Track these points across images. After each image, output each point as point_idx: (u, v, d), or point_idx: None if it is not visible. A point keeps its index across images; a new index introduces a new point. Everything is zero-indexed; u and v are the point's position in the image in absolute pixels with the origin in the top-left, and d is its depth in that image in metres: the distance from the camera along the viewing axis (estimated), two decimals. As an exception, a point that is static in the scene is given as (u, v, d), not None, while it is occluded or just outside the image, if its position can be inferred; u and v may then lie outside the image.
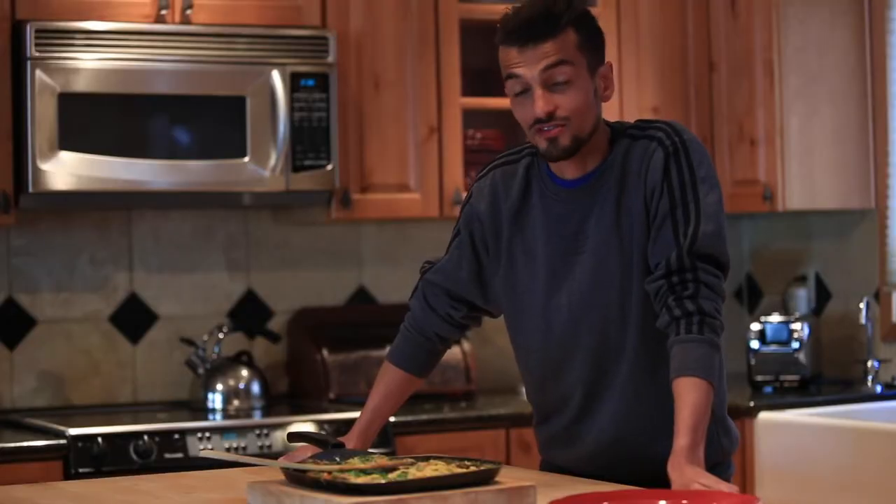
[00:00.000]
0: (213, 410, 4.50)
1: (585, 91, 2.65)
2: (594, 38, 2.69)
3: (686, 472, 2.45)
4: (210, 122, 4.36)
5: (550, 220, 2.75)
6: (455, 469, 2.45)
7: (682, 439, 2.50)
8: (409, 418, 4.34)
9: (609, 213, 2.69)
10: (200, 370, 4.57)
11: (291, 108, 4.41)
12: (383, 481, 2.37)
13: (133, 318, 4.68)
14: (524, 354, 2.84)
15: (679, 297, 2.60)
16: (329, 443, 2.84)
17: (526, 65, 2.63)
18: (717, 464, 2.74)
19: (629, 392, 2.72)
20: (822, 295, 5.25)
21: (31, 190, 4.16)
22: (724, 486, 2.40)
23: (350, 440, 2.91)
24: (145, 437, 4.05)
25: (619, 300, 2.69)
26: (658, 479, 2.53)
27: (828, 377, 5.09)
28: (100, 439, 4.00)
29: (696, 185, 2.66)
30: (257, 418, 4.36)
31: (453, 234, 2.92)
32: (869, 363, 4.89)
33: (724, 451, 2.80)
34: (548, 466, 2.89)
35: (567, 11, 2.64)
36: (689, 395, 2.54)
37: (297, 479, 2.44)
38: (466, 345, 4.79)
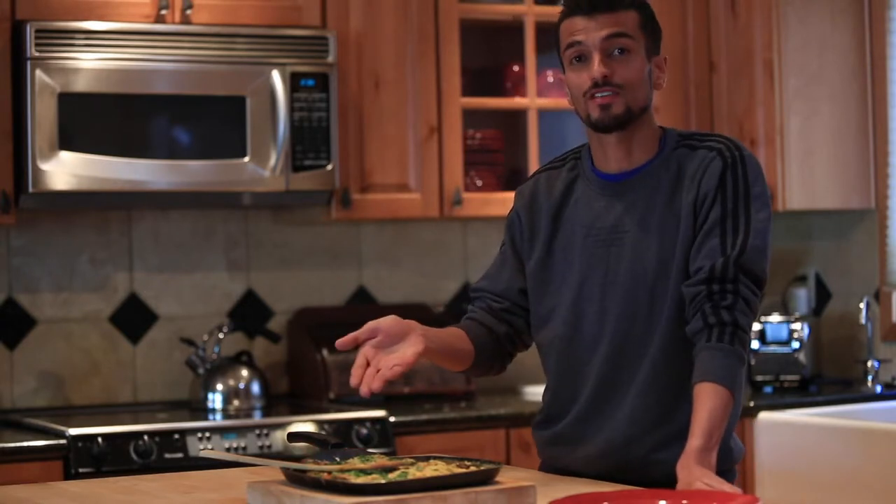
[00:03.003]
0: (213, 410, 4.50)
1: (641, 66, 2.74)
2: (653, 26, 2.79)
3: (694, 471, 2.47)
4: (210, 122, 4.36)
5: (591, 213, 2.78)
6: (455, 469, 2.45)
7: (695, 440, 2.52)
8: (409, 418, 4.33)
9: (657, 213, 2.72)
10: (200, 370, 4.57)
11: (291, 108, 4.41)
12: (383, 481, 2.37)
13: (133, 318, 4.68)
14: (547, 348, 2.84)
15: (716, 305, 2.62)
16: (329, 443, 2.83)
17: (589, 31, 2.72)
18: (724, 470, 2.74)
19: (642, 397, 2.72)
20: (822, 295, 5.25)
21: (31, 190, 4.16)
22: (726, 487, 2.41)
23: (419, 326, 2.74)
24: (145, 437, 4.05)
25: (650, 300, 2.71)
26: (661, 487, 2.53)
27: (828, 377, 5.09)
28: (100, 439, 4.00)
29: (749, 200, 2.69)
30: (257, 418, 4.36)
31: (500, 247, 2.96)
32: (869, 363, 4.89)
33: (733, 460, 2.80)
34: (548, 468, 2.88)
35: None
36: (709, 400, 2.55)
37: (297, 479, 2.44)
38: (466, 345, 4.78)
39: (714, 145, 2.74)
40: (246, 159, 4.37)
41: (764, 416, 4.50)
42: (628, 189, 2.76)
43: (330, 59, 4.47)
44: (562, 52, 2.77)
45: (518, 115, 4.97)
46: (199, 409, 4.52)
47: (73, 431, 4.00)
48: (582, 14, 2.73)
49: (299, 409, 4.54)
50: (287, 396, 4.83)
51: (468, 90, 4.83)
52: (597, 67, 2.70)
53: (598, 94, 2.71)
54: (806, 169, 4.91)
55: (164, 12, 4.36)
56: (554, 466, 2.85)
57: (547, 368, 2.87)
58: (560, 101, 4.88)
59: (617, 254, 2.74)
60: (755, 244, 2.66)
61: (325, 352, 4.68)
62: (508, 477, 2.50)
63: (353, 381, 2.59)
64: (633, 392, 2.73)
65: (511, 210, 2.94)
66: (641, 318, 2.72)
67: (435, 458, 2.56)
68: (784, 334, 4.95)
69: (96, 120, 4.23)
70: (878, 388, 4.85)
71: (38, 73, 4.15)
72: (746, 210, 2.68)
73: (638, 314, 2.72)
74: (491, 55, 5.09)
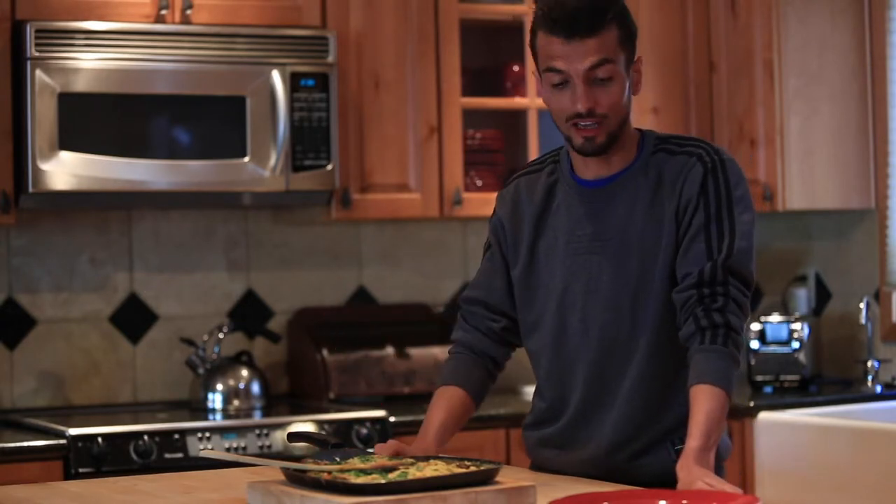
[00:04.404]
0: (213, 410, 4.50)
1: (622, 87, 2.68)
2: (631, 33, 2.72)
3: (694, 471, 2.48)
4: (210, 122, 4.36)
5: (572, 220, 2.77)
6: (455, 469, 2.45)
7: (693, 441, 2.52)
8: (409, 418, 4.33)
9: (637, 220, 2.71)
10: (200, 370, 4.57)
11: (291, 108, 4.41)
12: (383, 481, 2.37)
13: (133, 318, 4.68)
14: (537, 355, 2.84)
15: (708, 308, 2.62)
16: (329, 443, 2.84)
17: (570, 60, 2.64)
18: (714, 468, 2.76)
19: (629, 403, 2.72)
20: (822, 295, 5.25)
21: (31, 190, 4.16)
22: (727, 487, 2.41)
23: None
24: (145, 437, 4.05)
25: (633, 306, 2.71)
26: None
27: (828, 377, 5.09)
28: (100, 439, 4.00)
29: (731, 203, 2.68)
30: (257, 418, 4.36)
31: (485, 249, 2.93)
32: (869, 363, 4.89)
33: (720, 457, 2.81)
34: (538, 469, 2.88)
35: (612, 6, 2.66)
36: (706, 401, 2.56)
37: (297, 479, 2.44)
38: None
39: (693, 150, 2.73)
40: (246, 159, 4.37)
41: (764, 416, 4.50)
42: (607, 196, 2.74)
43: (330, 59, 4.47)
44: (539, 68, 2.71)
45: (518, 115, 4.97)
46: (199, 409, 4.52)
47: (73, 431, 4.00)
48: (562, 37, 2.64)
49: (299, 409, 4.54)
50: (287, 396, 4.83)
51: (468, 90, 4.83)
52: (581, 100, 2.64)
53: (582, 125, 2.66)
54: (806, 169, 4.91)
55: (164, 12, 4.36)
56: (544, 467, 2.86)
57: (536, 373, 2.87)
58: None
59: (598, 262, 2.73)
60: (741, 246, 2.66)
61: (325, 352, 4.68)
62: (508, 477, 2.50)
63: None
64: (620, 399, 2.73)
65: (493, 214, 2.91)
66: (625, 326, 2.72)
67: (435, 458, 2.56)
68: (784, 334, 4.95)
69: (96, 120, 4.23)
70: (878, 388, 4.85)
71: (38, 73, 4.15)
72: (730, 213, 2.68)
73: (621, 322, 2.72)
74: (491, 55, 5.09)
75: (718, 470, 2.76)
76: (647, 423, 2.72)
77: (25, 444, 3.97)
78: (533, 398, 2.90)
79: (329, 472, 2.42)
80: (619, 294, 2.71)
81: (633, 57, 2.72)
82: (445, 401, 2.86)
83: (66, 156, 4.17)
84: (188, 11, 4.38)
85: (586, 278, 2.74)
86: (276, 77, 4.39)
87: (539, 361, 2.84)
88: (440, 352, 4.76)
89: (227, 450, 4.09)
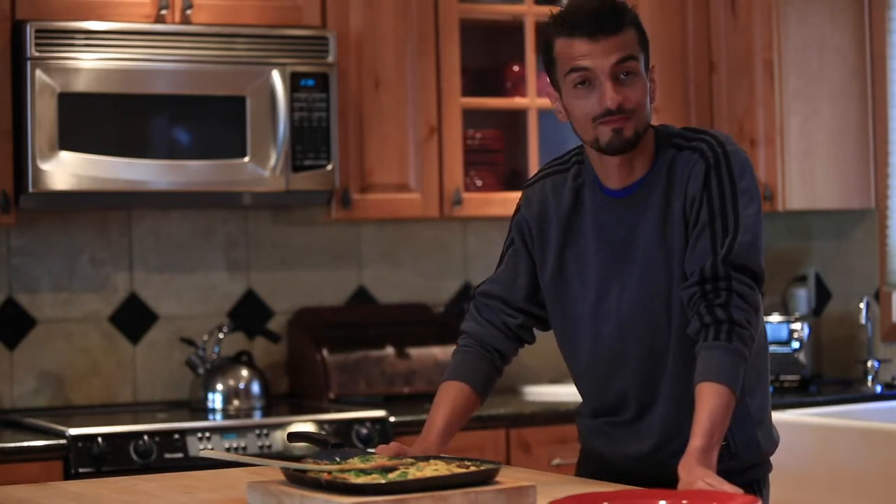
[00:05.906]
0: (213, 410, 4.50)
1: (645, 87, 2.70)
2: (646, 39, 2.74)
3: (694, 471, 2.48)
4: (210, 122, 4.36)
5: (600, 229, 2.77)
6: (455, 469, 2.45)
7: (696, 441, 2.53)
8: (409, 418, 4.33)
9: (656, 224, 2.71)
10: (200, 370, 4.57)
11: (291, 108, 4.41)
12: (383, 481, 2.37)
13: (133, 318, 4.68)
14: (574, 363, 2.86)
15: (710, 304, 2.62)
16: (329, 443, 2.84)
17: (596, 57, 2.65)
18: (754, 465, 2.79)
19: (672, 400, 2.74)
20: (822, 295, 5.25)
21: (31, 190, 4.16)
22: (727, 487, 2.41)
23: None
24: (145, 437, 4.05)
25: (665, 309, 2.72)
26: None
27: (828, 377, 5.09)
28: (100, 439, 4.00)
29: (735, 196, 2.67)
30: (257, 418, 4.36)
31: (506, 245, 2.93)
32: (869, 363, 4.89)
33: (763, 452, 2.83)
34: (589, 453, 2.92)
35: (629, 10, 2.70)
36: (709, 400, 2.56)
37: (297, 479, 2.44)
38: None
39: (697, 145, 2.72)
40: (246, 159, 4.37)
41: (764, 416, 4.50)
42: (632, 203, 2.75)
43: (330, 59, 4.47)
44: (561, 74, 2.71)
45: (518, 115, 4.97)
46: (199, 409, 4.52)
47: (73, 431, 4.00)
48: (585, 37, 2.66)
49: (299, 409, 4.54)
50: (287, 396, 4.83)
51: (468, 90, 4.83)
52: (610, 95, 2.64)
53: (612, 119, 2.67)
54: (806, 169, 4.91)
55: (164, 12, 4.36)
56: (593, 452, 2.89)
57: (573, 377, 2.89)
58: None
59: (628, 271, 2.74)
60: (744, 240, 2.65)
61: (325, 352, 4.68)
62: (508, 477, 2.50)
63: None
64: (662, 401, 2.76)
65: (518, 212, 2.91)
66: (660, 332, 2.73)
67: (435, 458, 2.56)
68: (784, 334, 4.95)
69: (96, 120, 4.23)
70: (878, 388, 4.85)
71: (38, 73, 4.15)
72: (734, 207, 2.67)
73: (656, 328, 2.73)
74: (491, 55, 5.09)
75: (759, 467, 2.77)
76: (688, 420, 2.71)
77: (25, 444, 3.97)
78: (580, 392, 2.92)
79: (329, 472, 2.42)
80: (651, 301, 2.72)
81: (648, 63, 2.73)
82: (450, 399, 2.86)
83: (66, 156, 4.17)
84: (188, 11, 4.38)
85: (619, 288, 2.75)
86: (276, 77, 4.39)
87: (576, 366, 2.86)
88: (440, 352, 4.76)
89: (227, 450, 4.09)
